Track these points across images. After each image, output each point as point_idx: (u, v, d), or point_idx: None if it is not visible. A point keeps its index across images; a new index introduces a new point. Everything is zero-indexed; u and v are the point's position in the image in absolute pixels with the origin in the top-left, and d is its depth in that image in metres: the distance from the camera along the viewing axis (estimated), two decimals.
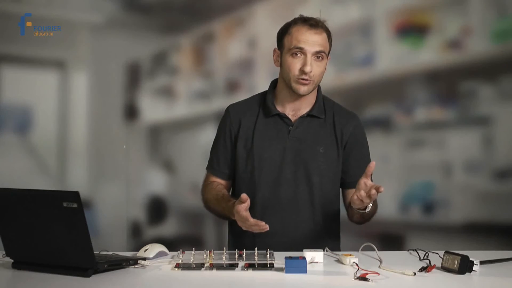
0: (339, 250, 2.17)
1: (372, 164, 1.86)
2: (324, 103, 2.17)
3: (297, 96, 2.10)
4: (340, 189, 2.21)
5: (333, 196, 2.17)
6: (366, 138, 2.22)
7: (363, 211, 1.97)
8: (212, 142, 2.28)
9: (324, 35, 2.07)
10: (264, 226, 1.89)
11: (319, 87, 2.17)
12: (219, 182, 2.21)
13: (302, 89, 2.06)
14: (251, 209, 2.10)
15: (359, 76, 3.38)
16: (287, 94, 2.12)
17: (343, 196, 2.22)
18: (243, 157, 2.15)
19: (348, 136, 2.14)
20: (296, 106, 2.13)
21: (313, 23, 2.06)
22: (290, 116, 2.14)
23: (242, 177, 2.16)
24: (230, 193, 2.23)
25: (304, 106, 2.14)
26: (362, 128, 2.21)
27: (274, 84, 2.19)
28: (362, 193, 1.85)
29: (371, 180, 1.94)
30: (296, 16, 2.12)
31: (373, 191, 1.82)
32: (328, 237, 2.15)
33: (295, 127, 2.12)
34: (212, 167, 2.23)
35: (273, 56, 2.15)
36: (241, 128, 2.16)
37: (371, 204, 1.94)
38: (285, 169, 2.10)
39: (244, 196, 1.90)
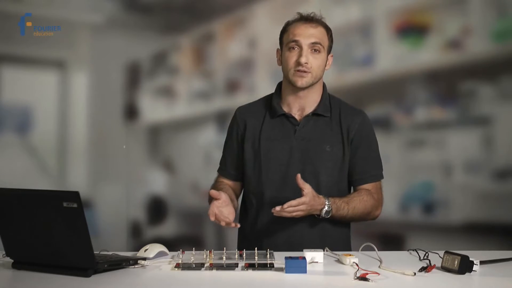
0: (349, 248, 2.18)
1: (298, 175, 1.94)
2: (330, 101, 2.17)
3: (299, 90, 2.10)
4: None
5: (340, 194, 2.17)
6: (374, 134, 2.21)
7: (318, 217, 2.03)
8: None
9: (321, 29, 2.09)
10: (232, 224, 1.95)
11: (324, 86, 2.18)
12: (226, 183, 2.24)
13: (300, 81, 2.07)
14: (260, 208, 2.12)
15: (359, 76, 3.39)
16: (290, 92, 2.13)
17: None
18: (250, 158, 2.16)
19: (354, 133, 2.13)
20: (301, 105, 2.14)
21: (308, 18, 2.09)
22: (296, 116, 2.14)
23: (250, 177, 2.17)
24: (242, 193, 2.26)
25: (309, 105, 2.14)
26: (369, 125, 2.19)
27: (280, 86, 2.20)
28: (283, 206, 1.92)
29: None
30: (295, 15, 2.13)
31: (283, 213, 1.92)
32: (337, 235, 2.14)
33: (301, 127, 2.13)
34: (221, 168, 2.27)
35: (277, 56, 2.17)
36: (248, 130, 2.18)
37: (325, 209, 2.00)
38: (292, 168, 2.11)
39: (212, 192, 1.97)
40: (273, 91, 2.23)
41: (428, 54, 3.37)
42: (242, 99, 2.30)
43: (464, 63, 3.32)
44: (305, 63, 2.05)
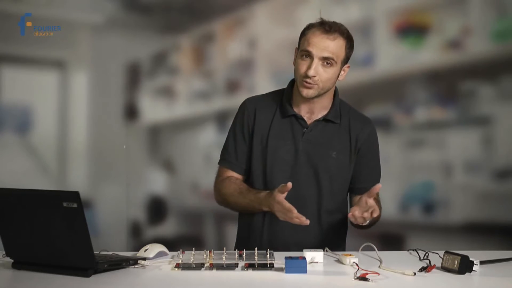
0: (344, 248, 2.18)
1: (378, 186, 1.87)
2: (340, 108, 2.16)
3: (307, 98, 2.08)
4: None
5: (341, 201, 2.17)
6: (378, 144, 2.21)
7: (360, 226, 1.98)
8: (225, 137, 2.23)
9: (339, 42, 2.03)
10: (305, 221, 1.87)
11: (336, 91, 2.16)
12: (236, 177, 2.16)
13: (305, 92, 2.04)
14: None
15: (359, 76, 3.38)
16: (299, 95, 2.10)
17: (350, 201, 2.20)
18: (257, 154, 2.13)
19: (362, 142, 2.13)
20: (310, 108, 2.12)
21: (328, 28, 2.02)
22: (305, 118, 2.12)
23: (255, 174, 2.14)
24: None
25: (318, 110, 2.12)
26: (376, 135, 2.20)
27: (292, 84, 2.16)
28: (357, 213, 1.87)
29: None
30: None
31: (366, 214, 1.86)
32: (333, 241, 2.13)
33: (310, 130, 2.11)
34: (229, 161, 2.17)
35: (294, 54, 2.12)
36: (257, 123, 2.14)
37: (368, 221, 1.94)
38: (297, 170, 2.10)
39: (289, 184, 1.87)
40: (272, 89, 2.22)
41: (428, 54, 3.37)
42: (242, 99, 2.27)
43: (464, 63, 3.32)
44: (313, 76, 2.01)
